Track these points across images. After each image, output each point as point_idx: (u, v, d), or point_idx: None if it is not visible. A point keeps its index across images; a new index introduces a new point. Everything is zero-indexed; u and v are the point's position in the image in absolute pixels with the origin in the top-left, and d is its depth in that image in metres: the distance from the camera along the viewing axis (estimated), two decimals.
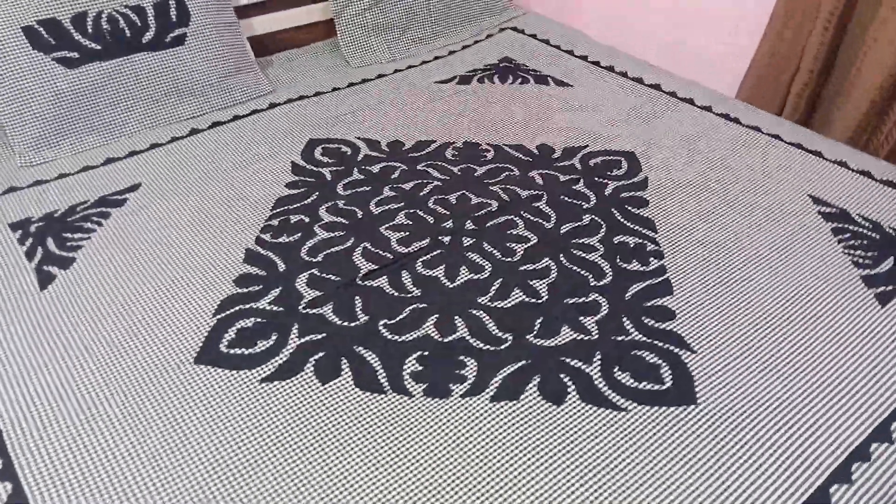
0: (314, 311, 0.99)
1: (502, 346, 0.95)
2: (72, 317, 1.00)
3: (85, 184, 1.28)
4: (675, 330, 0.97)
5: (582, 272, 1.07)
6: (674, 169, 1.31)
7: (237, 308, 1.00)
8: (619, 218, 1.19)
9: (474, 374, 0.91)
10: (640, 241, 1.14)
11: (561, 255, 1.10)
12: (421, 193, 1.24)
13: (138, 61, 1.40)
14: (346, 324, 0.97)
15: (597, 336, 0.96)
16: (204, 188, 1.27)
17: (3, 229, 1.17)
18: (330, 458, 0.81)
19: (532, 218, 1.18)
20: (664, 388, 0.89)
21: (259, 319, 0.98)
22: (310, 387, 0.89)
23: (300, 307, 1.00)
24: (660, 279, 1.06)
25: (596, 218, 1.18)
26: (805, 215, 1.19)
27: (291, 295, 1.02)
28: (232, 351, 0.93)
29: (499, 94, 1.58)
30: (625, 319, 0.99)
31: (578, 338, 0.96)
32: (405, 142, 1.40)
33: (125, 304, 1.02)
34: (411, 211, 1.19)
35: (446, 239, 1.13)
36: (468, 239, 1.13)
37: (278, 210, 1.21)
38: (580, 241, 1.13)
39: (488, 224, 1.16)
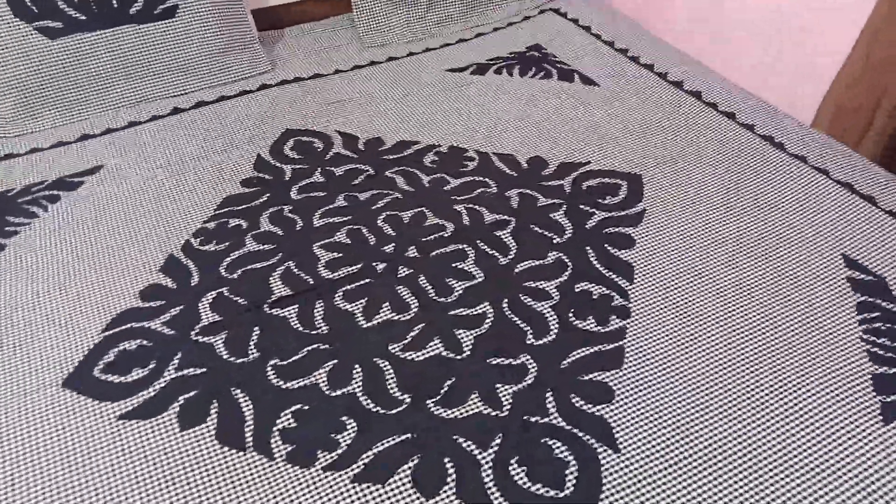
0: (205, 339, 0.90)
1: (393, 411, 0.81)
2: None
3: (50, 162, 1.25)
4: (605, 417, 0.80)
5: (521, 325, 0.91)
6: (683, 203, 1.09)
7: (128, 326, 0.92)
8: (591, 259, 1.00)
9: (348, 441, 0.78)
10: (607, 292, 0.95)
11: (505, 300, 0.94)
12: (374, 207, 1.10)
13: (123, 34, 1.34)
14: (232, 359, 0.88)
15: (507, 412, 0.81)
16: (160, 177, 1.20)
17: None
18: None
19: (487, 250, 1.02)
20: (561, 496, 0.73)
21: (144, 342, 0.90)
22: (167, 432, 0.80)
23: (192, 333, 0.91)
24: (612, 346, 0.88)
25: (563, 257, 1.01)
26: (830, 281, 0.96)
27: (189, 317, 0.93)
28: (104, 377, 0.86)
29: (513, 88, 1.40)
30: (549, 394, 0.82)
31: (485, 411, 0.81)
32: (386, 141, 1.27)
33: (22, 308, 0.96)
34: (355, 227, 1.07)
35: (380, 266, 1.00)
36: (405, 269, 0.99)
37: (221, 211, 1.12)
38: (534, 286, 0.96)
39: (434, 253, 1.02)
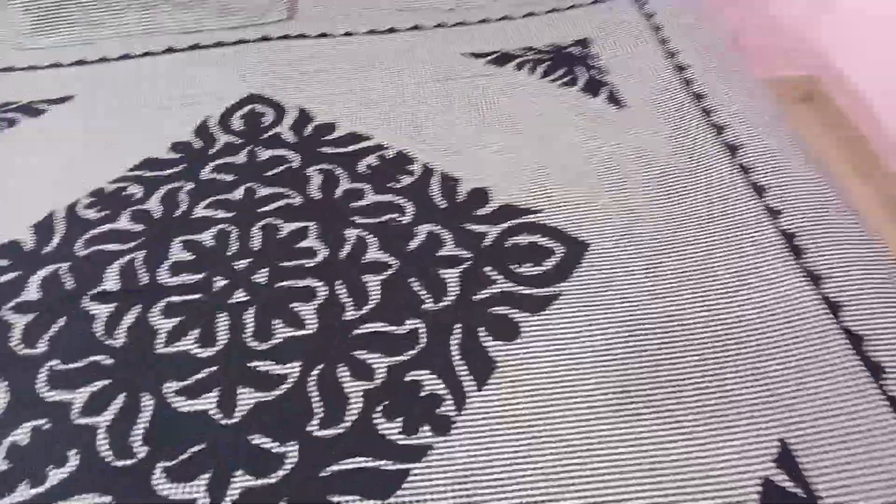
0: (11, 317, 0.85)
1: (117, 462, 0.71)
2: None
3: (34, 82, 1.26)
4: None
5: (315, 406, 0.74)
6: (620, 293, 0.83)
7: None
8: (451, 342, 0.79)
9: (54, 481, 0.70)
10: (442, 391, 0.75)
11: (318, 368, 0.78)
12: (261, 209, 0.97)
13: None
14: (19, 347, 0.82)
15: None
16: (116, 121, 1.15)
17: None
18: None
19: (342, 296, 0.85)
20: None
21: None
22: None
23: (4, 307, 0.86)
24: (392, 468, 0.69)
25: (421, 329, 0.81)
26: None
27: (13, 289, 0.88)
28: None
29: (524, 93, 1.15)
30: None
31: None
32: (338, 128, 1.10)
33: None
34: (227, 229, 0.94)
35: (219, 283, 0.87)
36: (240, 294, 0.86)
37: (130, 173, 1.05)
38: (361, 358, 0.79)
39: (280, 284, 0.87)
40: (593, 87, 1.15)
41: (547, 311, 0.82)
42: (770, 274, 0.84)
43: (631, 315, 0.81)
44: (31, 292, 0.88)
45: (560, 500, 0.66)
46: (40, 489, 0.70)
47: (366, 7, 1.39)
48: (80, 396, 0.77)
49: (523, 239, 0.91)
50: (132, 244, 0.93)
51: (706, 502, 0.65)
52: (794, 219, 0.90)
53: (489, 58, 1.24)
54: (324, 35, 1.33)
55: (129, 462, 0.71)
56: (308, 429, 0.73)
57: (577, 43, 1.26)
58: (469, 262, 0.88)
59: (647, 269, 0.86)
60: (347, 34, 1.33)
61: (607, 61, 1.20)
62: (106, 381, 0.78)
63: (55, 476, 0.71)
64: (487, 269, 0.87)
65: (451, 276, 0.86)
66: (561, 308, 0.82)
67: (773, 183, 0.96)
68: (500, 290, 0.84)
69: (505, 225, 0.93)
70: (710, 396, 0.73)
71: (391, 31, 1.33)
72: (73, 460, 0.72)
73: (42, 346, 0.82)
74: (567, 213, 0.94)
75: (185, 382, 0.77)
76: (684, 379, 0.75)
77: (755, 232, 0.89)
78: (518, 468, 0.69)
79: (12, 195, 1.03)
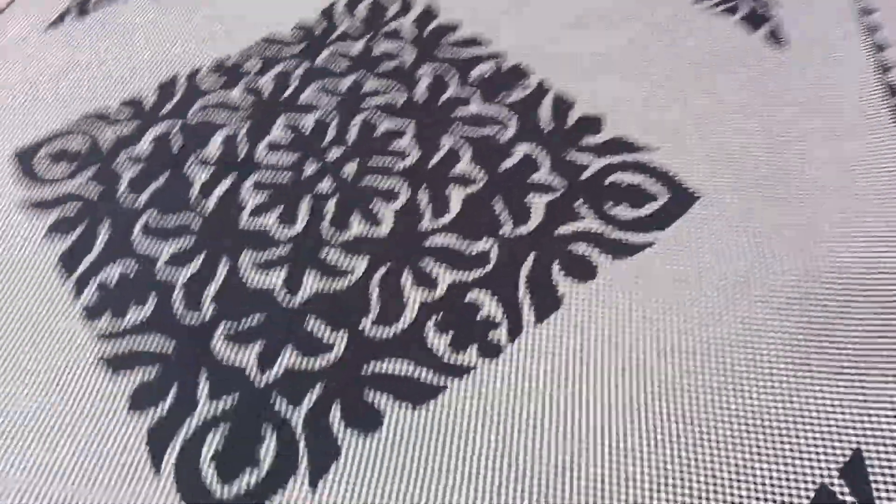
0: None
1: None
2: None
3: None
4: None
5: (351, 299, 0.75)
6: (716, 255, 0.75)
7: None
8: (522, 275, 0.76)
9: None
10: (497, 316, 0.72)
11: (385, 265, 0.77)
12: (363, 104, 0.95)
13: None
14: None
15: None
16: None
17: None
18: None
19: (421, 199, 0.83)
20: None
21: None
22: None
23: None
24: (431, 381, 0.69)
25: (492, 251, 0.78)
26: None
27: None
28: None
29: (673, 15, 1.03)
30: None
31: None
32: (457, 31, 1.05)
33: None
34: (329, 118, 0.94)
35: (311, 168, 0.88)
36: (328, 182, 0.86)
37: (251, 48, 1.06)
38: (421, 268, 0.77)
39: (364, 183, 0.86)
40: (755, 20, 1.01)
41: (631, 259, 0.76)
42: None
43: (724, 282, 0.73)
44: (144, 147, 0.93)
45: (585, 468, 0.63)
46: (119, 322, 0.76)
47: None
48: (167, 249, 0.82)
49: (627, 177, 0.83)
50: (239, 116, 0.96)
51: (755, 495, 0.59)
52: None
53: None
54: None
55: (195, 317, 0.76)
56: (360, 325, 0.73)
57: None
58: (560, 193, 0.82)
59: (757, 235, 0.77)
60: None
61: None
62: (191, 241, 0.83)
63: (133, 314, 0.77)
64: (578, 202, 0.81)
65: (537, 203, 0.82)
66: (648, 259, 0.76)
67: None
68: (585, 227, 0.79)
69: (610, 159, 0.86)
70: (790, 387, 0.65)
71: None
72: (151, 305, 0.77)
73: (144, 198, 0.88)
74: (685, 158, 0.85)
75: (259, 257, 0.80)
76: (769, 366, 0.67)
77: None
78: (553, 416, 0.66)
79: (144, 52, 1.08)
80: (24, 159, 0.93)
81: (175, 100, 0.99)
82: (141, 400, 0.70)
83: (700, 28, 1.01)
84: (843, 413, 0.63)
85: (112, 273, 0.80)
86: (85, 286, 0.79)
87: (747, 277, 0.73)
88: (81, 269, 0.81)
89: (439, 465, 0.64)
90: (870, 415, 0.62)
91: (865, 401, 0.64)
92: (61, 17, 1.17)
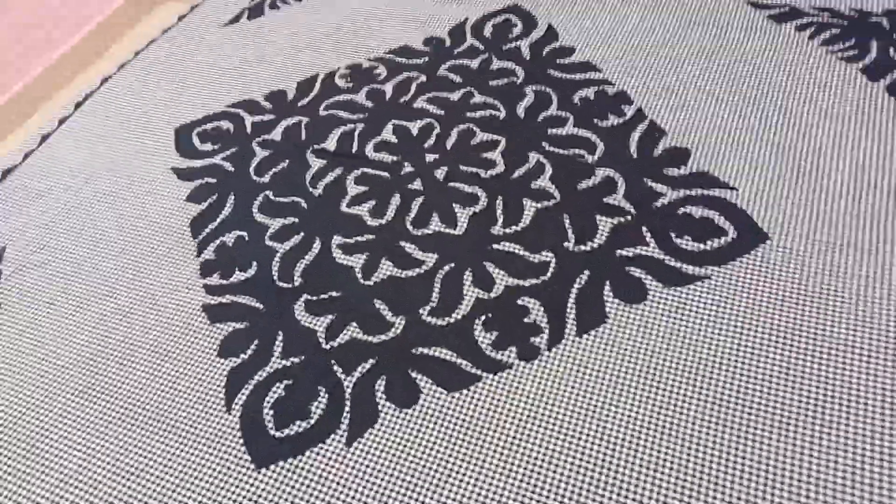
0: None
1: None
2: None
3: None
4: None
5: (416, 288, 0.82)
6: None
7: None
8: (574, 288, 0.80)
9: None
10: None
11: (470, 267, 0.85)
12: (468, 114, 1.03)
13: None
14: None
15: None
16: (390, 8, 1.29)
17: None
18: None
19: (496, 209, 0.89)
20: None
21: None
22: None
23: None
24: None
25: (553, 266, 0.82)
26: None
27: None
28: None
29: (791, 58, 1.01)
30: None
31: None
32: (572, 55, 1.10)
33: None
34: (434, 124, 1.03)
35: (407, 169, 0.97)
36: (418, 183, 0.95)
37: (383, 56, 1.18)
38: (487, 267, 0.83)
39: (451, 184, 0.93)
40: (879, 69, 0.96)
41: (683, 289, 0.77)
42: None
43: (776, 322, 0.72)
44: (276, 134, 1.08)
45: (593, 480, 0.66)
46: (224, 281, 0.90)
47: None
48: (275, 224, 0.95)
49: (699, 210, 0.84)
50: (357, 116, 1.08)
51: None
52: None
53: (772, 10, 1.10)
54: None
55: (286, 285, 0.87)
56: (420, 311, 0.81)
57: (890, 13, 1.05)
58: (630, 217, 0.85)
59: (821, 283, 0.75)
60: None
61: None
62: (295, 219, 0.95)
63: (238, 275, 0.90)
64: (645, 228, 0.84)
65: (605, 224, 0.85)
66: (701, 291, 0.77)
67: None
68: (647, 252, 0.81)
69: (688, 192, 0.87)
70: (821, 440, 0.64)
71: None
72: (252, 269, 0.90)
73: (266, 178, 1.02)
74: (765, 200, 0.84)
75: (348, 240, 0.91)
76: (803, 421, 0.66)
77: None
78: (574, 424, 0.69)
79: (296, 52, 1.24)
80: (181, 135, 1.11)
81: (310, 97, 1.13)
82: (228, 347, 0.83)
83: (822, 70, 0.98)
84: None
85: (228, 239, 0.95)
86: (205, 248, 0.94)
87: (795, 326, 0.72)
88: (205, 232, 0.96)
89: (459, 448, 0.70)
90: None
91: None
92: (237, 18, 1.36)
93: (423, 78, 1.12)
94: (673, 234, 0.82)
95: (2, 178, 1.13)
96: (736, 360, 0.71)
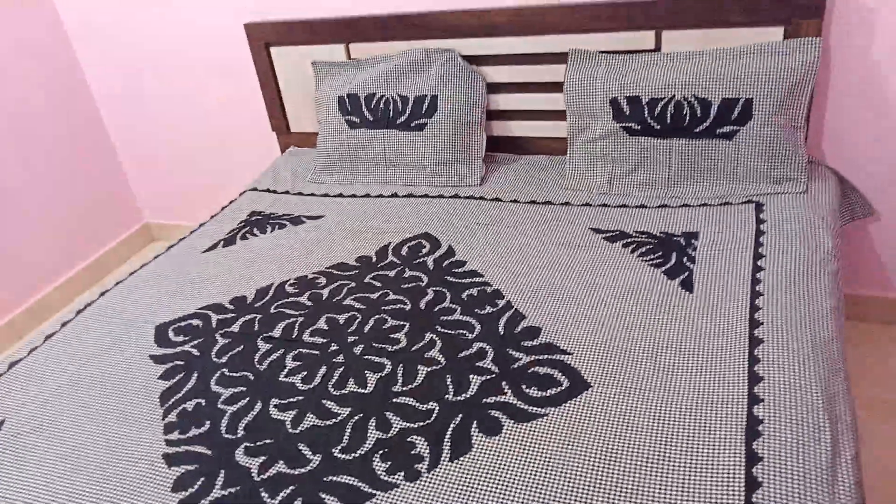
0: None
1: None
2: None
3: (309, 203, 1.87)
4: None
5: (331, 434, 1.07)
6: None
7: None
8: (451, 427, 1.06)
9: None
10: None
11: (360, 414, 1.11)
12: (383, 307, 1.36)
13: (388, 135, 1.88)
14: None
15: None
16: (333, 236, 1.68)
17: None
18: None
19: (397, 373, 1.17)
20: None
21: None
22: None
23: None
24: None
25: (436, 412, 1.09)
26: None
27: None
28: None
29: (617, 265, 1.38)
30: None
31: None
32: (464, 266, 1.46)
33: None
34: (357, 316, 1.35)
35: (332, 347, 1.27)
36: (340, 357, 1.24)
37: (324, 270, 1.54)
38: (387, 415, 1.09)
39: (365, 357, 1.23)
40: (676, 271, 1.34)
41: (528, 424, 1.04)
42: None
43: (598, 447, 0.99)
44: (235, 328, 1.38)
45: None
46: (182, 436, 1.14)
47: (539, 185, 1.78)
48: (227, 392, 1.21)
49: (544, 369, 1.14)
50: (300, 312, 1.40)
51: None
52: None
53: (606, 234, 1.51)
54: (497, 199, 1.74)
55: (231, 436, 1.11)
56: (332, 450, 1.05)
57: (689, 235, 1.45)
58: (494, 375, 1.14)
59: (628, 418, 1.03)
60: (514, 201, 1.71)
61: (703, 252, 1.38)
62: (244, 388, 1.22)
63: (194, 431, 1.14)
64: (505, 382, 1.12)
65: (476, 380, 1.14)
66: (540, 426, 1.03)
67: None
68: (505, 399, 1.09)
69: (537, 356, 1.17)
70: None
71: (548, 203, 1.68)
72: (205, 426, 1.14)
73: (224, 359, 1.30)
74: (591, 360, 1.15)
75: (282, 401, 1.17)
76: None
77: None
78: None
79: (258, 269, 1.59)
80: (159, 331, 1.41)
81: (265, 299, 1.46)
82: (180, 483, 1.04)
83: (637, 273, 1.35)
84: None
85: (188, 405, 1.20)
86: (169, 413, 1.19)
87: (610, 450, 0.98)
88: (170, 401, 1.21)
89: None
90: None
91: None
92: (214, 246, 1.74)
93: (353, 284, 1.46)
94: (524, 386, 1.11)
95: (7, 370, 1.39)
96: (568, 475, 0.96)
